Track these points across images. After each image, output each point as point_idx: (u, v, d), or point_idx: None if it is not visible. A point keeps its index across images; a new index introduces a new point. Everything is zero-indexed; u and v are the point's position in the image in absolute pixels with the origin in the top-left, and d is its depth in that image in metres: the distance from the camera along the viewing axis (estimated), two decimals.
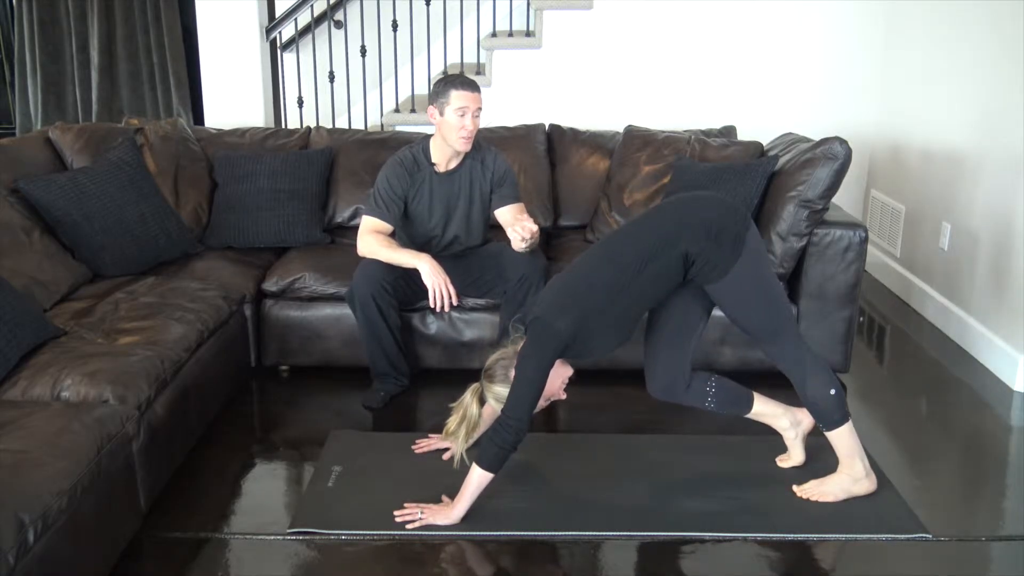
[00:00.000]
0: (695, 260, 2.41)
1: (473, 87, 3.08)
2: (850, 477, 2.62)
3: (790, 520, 2.53)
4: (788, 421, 2.74)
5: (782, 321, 2.54)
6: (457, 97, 3.04)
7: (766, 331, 2.54)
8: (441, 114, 3.08)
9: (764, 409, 2.72)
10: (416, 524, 2.47)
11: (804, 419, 2.75)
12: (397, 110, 4.93)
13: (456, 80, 3.09)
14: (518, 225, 3.06)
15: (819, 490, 2.62)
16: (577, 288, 2.46)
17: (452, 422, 2.56)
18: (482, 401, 2.55)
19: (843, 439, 2.59)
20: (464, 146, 3.12)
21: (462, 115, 3.05)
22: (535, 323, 2.43)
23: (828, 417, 2.56)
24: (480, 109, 3.09)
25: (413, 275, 3.12)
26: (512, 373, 2.45)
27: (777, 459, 2.81)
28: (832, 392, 2.53)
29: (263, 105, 4.81)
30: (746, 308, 2.51)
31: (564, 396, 2.57)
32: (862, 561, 2.40)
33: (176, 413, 2.65)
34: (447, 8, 4.97)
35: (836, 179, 3.20)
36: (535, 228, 3.05)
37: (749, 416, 2.72)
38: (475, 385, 2.56)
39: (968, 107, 3.91)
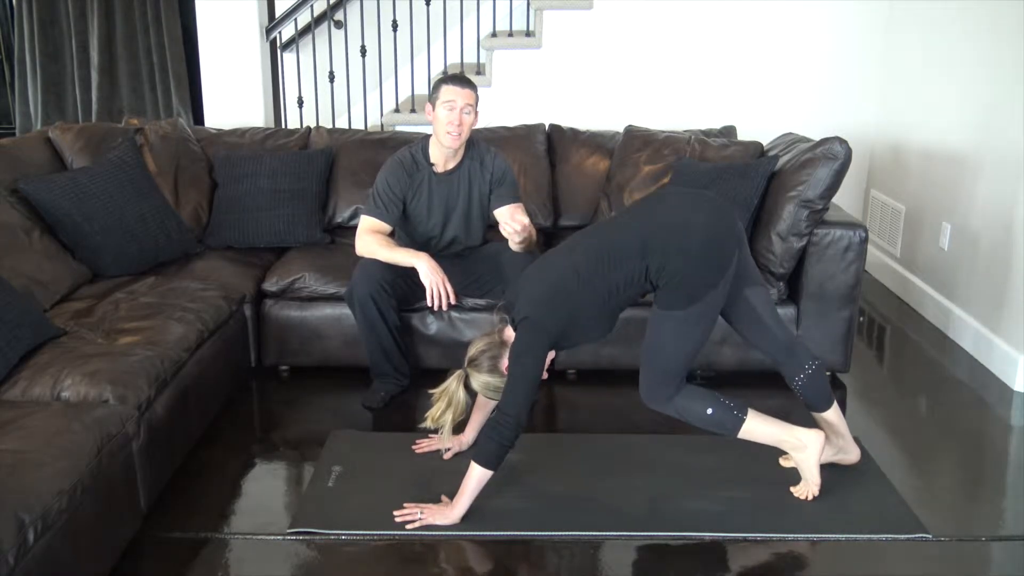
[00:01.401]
0: (656, 285, 2.46)
1: (464, 84, 3.10)
2: (799, 456, 2.60)
3: (790, 520, 2.53)
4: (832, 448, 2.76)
5: (680, 370, 2.51)
6: (446, 91, 3.07)
7: (661, 370, 2.50)
8: (433, 108, 3.11)
9: (834, 419, 2.73)
10: (416, 524, 2.47)
11: (843, 434, 2.76)
12: (397, 110, 4.93)
13: (449, 77, 3.13)
14: (509, 222, 3.00)
15: (804, 488, 2.63)
16: (564, 290, 2.48)
17: (437, 410, 2.56)
18: (467, 387, 2.56)
19: (757, 435, 2.56)
20: (450, 142, 3.11)
21: (449, 109, 3.06)
22: (525, 323, 2.46)
23: (724, 428, 2.53)
24: (471, 106, 3.08)
25: (412, 275, 3.12)
26: (501, 364, 2.50)
27: (781, 459, 2.81)
28: (709, 412, 2.50)
29: (263, 105, 4.81)
30: (660, 343, 2.49)
31: (546, 376, 2.59)
32: (862, 561, 2.40)
33: (176, 413, 2.65)
34: (447, 8, 4.97)
35: (836, 179, 3.20)
36: (526, 220, 3.01)
37: (817, 416, 2.73)
38: (459, 372, 2.57)
39: (968, 107, 3.91)
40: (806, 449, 2.59)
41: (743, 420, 2.52)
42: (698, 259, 2.42)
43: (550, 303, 2.46)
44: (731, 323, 2.67)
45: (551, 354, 2.58)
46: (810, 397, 2.70)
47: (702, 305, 2.42)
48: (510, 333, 2.54)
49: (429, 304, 3.09)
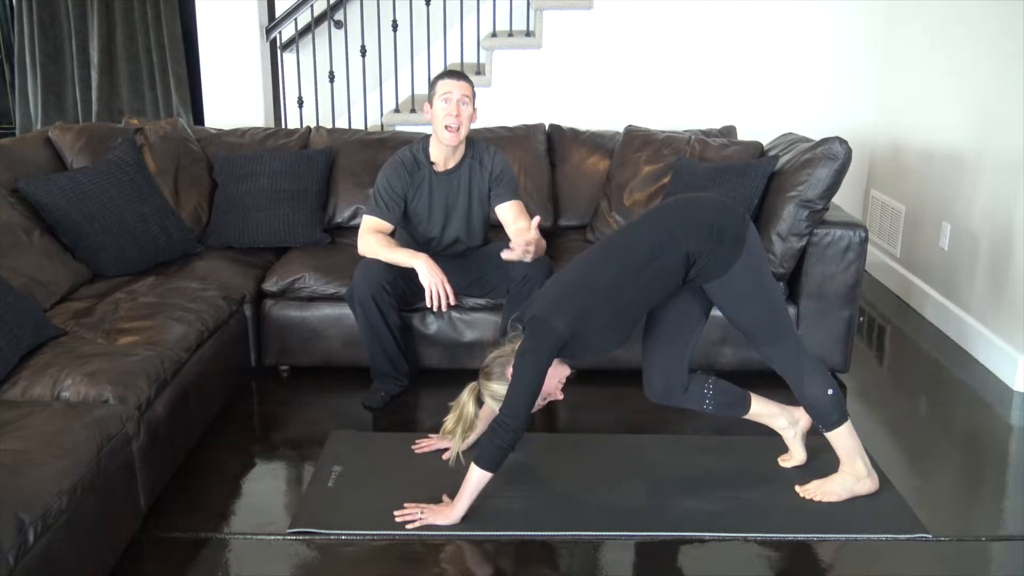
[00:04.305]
0: (697, 259, 2.41)
1: (459, 77, 3.12)
2: (852, 476, 2.62)
3: (790, 520, 2.53)
4: (786, 420, 2.75)
5: (780, 322, 2.54)
6: (442, 85, 3.09)
7: (763, 331, 2.54)
8: (431, 106, 3.12)
9: (761, 409, 2.72)
10: (416, 524, 2.47)
11: (802, 418, 2.75)
12: (397, 110, 4.93)
13: (444, 72, 3.17)
14: (517, 241, 2.97)
15: (822, 490, 2.63)
16: (576, 287, 2.46)
17: (450, 420, 2.58)
18: (479, 400, 2.56)
19: (843, 439, 2.59)
20: (448, 137, 3.11)
21: (445, 101, 3.07)
22: (533, 322, 2.43)
23: (827, 418, 2.56)
24: (468, 98, 3.09)
25: (413, 275, 3.11)
26: (508, 371, 2.46)
27: (779, 459, 2.81)
28: (830, 392, 2.54)
29: (263, 105, 4.81)
30: (745, 306, 2.51)
31: (561, 396, 2.56)
32: (862, 561, 2.40)
33: (176, 413, 2.65)
34: (447, 8, 4.97)
35: (836, 179, 3.20)
36: (532, 236, 2.96)
37: (747, 417, 2.72)
38: (472, 384, 2.57)
39: (968, 107, 3.91)
40: (865, 478, 2.62)
41: (845, 420, 2.57)
42: (727, 215, 2.45)
43: (560, 301, 2.44)
44: (665, 312, 2.63)
45: (566, 370, 2.56)
46: (725, 408, 2.70)
47: (749, 246, 2.42)
48: None
49: (428, 305, 3.09)
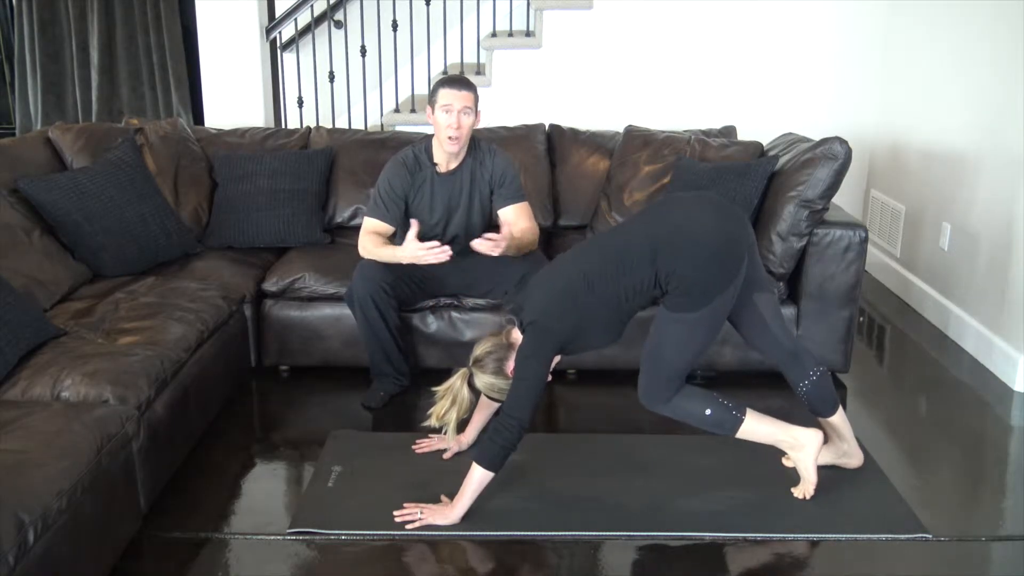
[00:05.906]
0: (666, 291, 2.45)
1: (461, 85, 3.09)
2: (797, 455, 2.60)
3: (790, 520, 2.53)
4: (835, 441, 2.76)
5: (682, 373, 2.51)
6: (443, 95, 3.07)
7: (663, 374, 2.50)
8: (433, 112, 3.11)
9: (837, 423, 2.73)
10: (416, 524, 2.47)
11: (852, 449, 2.77)
12: (397, 110, 4.94)
13: (446, 79, 3.13)
14: (482, 246, 2.98)
15: (802, 489, 2.63)
16: (574, 294, 2.46)
17: (441, 408, 2.55)
18: (471, 386, 2.56)
19: (755, 435, 2.57)
20: (450, 145, 3.11)
21: (446, 112, 3.06)
22: (533, 326, 2.45)
23: (722, 429, 2.54)
24: (469, 108, 3.08)
25: (413, 277, 3.12)
26: (506, 366, 2.50)
27: (783, 459, 2.81)
28: (707, 413, 2.51)
29: (263, 105, 4.81)
30: (666, 345, 2.48)
31: (550, 378, 2.57)
32: (862, 561, 2.40)
33: (176, 413, 2.65)
34: (447, 8, 4.97)
35: (836, 179, 3.20)
36: (499, 245, 2.97)
37: (825, 419, 2.73)
38: (463, 370, 2.57)
39: (968, 107, 3.91)
40: (804, 448, 2.59)
41: (741, 420, 2.53)
42: (708, 264, 2.40)
43: (558, 308, 2.46)
44: (737, 327, 2.66)
45: (556, 357, 2.58)
46: (815, 402, 2.69)
47: (711, 309, 2.42)
48: (517, 335, 2.54)
49: (433, 261, 3.00)
